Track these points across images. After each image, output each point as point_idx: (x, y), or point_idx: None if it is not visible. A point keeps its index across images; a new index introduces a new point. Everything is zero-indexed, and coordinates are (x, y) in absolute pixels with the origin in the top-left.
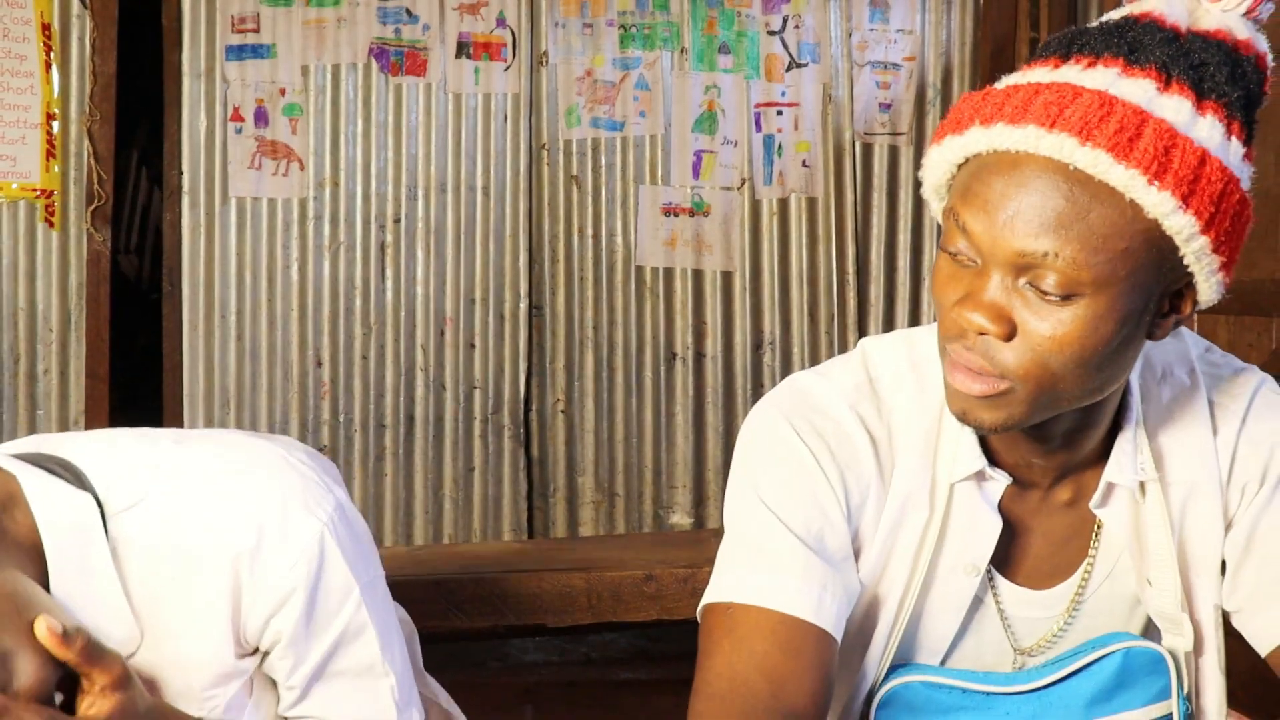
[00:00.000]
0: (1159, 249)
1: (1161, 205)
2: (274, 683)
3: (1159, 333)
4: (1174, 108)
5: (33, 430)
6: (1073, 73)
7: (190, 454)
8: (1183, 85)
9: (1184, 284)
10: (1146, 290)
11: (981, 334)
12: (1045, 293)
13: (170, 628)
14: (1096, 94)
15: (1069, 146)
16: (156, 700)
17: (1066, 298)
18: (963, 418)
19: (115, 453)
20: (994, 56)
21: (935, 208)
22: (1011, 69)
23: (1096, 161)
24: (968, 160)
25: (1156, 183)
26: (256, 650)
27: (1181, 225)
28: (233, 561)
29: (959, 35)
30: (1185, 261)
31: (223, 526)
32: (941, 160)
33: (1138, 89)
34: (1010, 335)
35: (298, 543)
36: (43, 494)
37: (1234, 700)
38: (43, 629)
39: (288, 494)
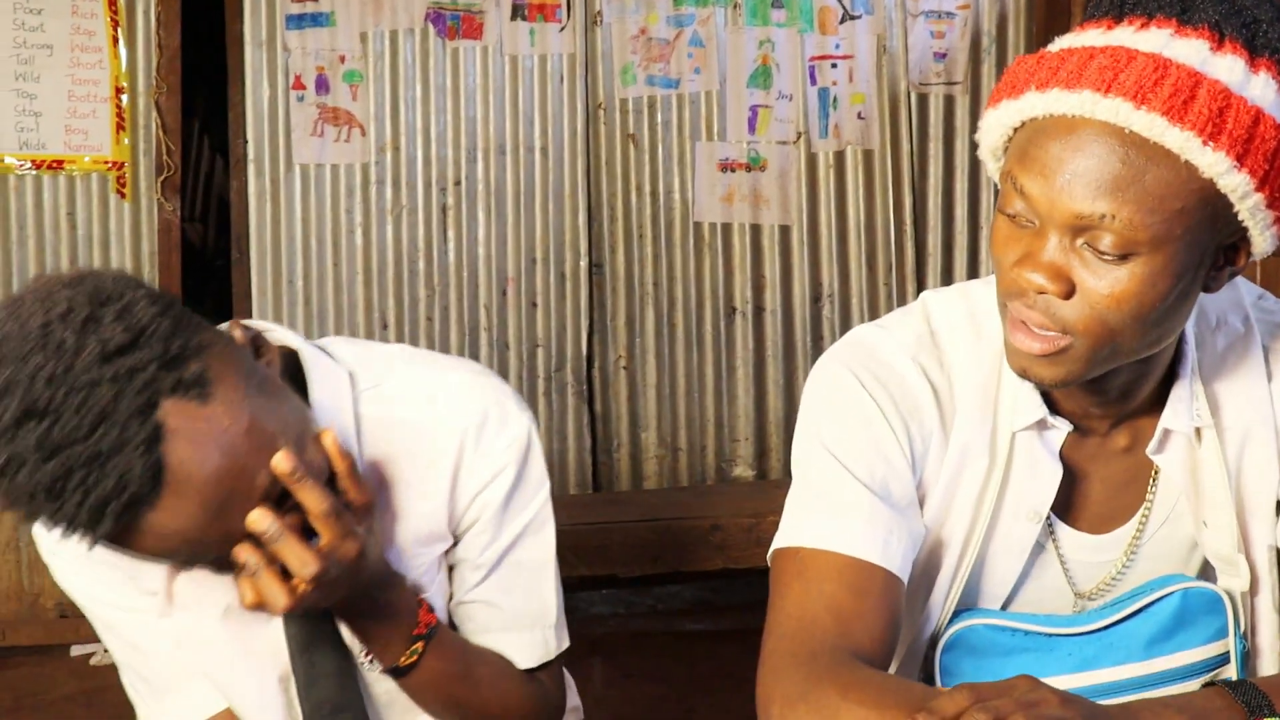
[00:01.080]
0: (1213, 206)
1: (1217, 165)
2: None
3: (1214, 285)
4: (1227, 67)
5: None
6: (1126, 35)
7: (422, 355)
8: (1235, 44)
9: (1238, 237)
10: (1201, 246)
11: (1041, 293)
12: (1102, 252)
13: (397, 492)
14: (1150, 57)
15: (1125, 110)
16: (382, 554)
17: (1123, 257)
18: (1023, 374)
19: (362, 346)
20: (1049, 3)
21: (992, 168)
22: (1067, 15)
23: (1152, 125)
24: (1024, 124)
25: (1211, 143)
26: (454, 536)
27: (1236, 184)
28: (460, 436)
29: None
30: (1240, 217)
31: (453, 408)
32: (998, 124)
33: (1191, 50)
34: (1069, 293)
35: (512, 429)
36: (315, 364)
37: None
38: (330, 439)
39: (503, 393)
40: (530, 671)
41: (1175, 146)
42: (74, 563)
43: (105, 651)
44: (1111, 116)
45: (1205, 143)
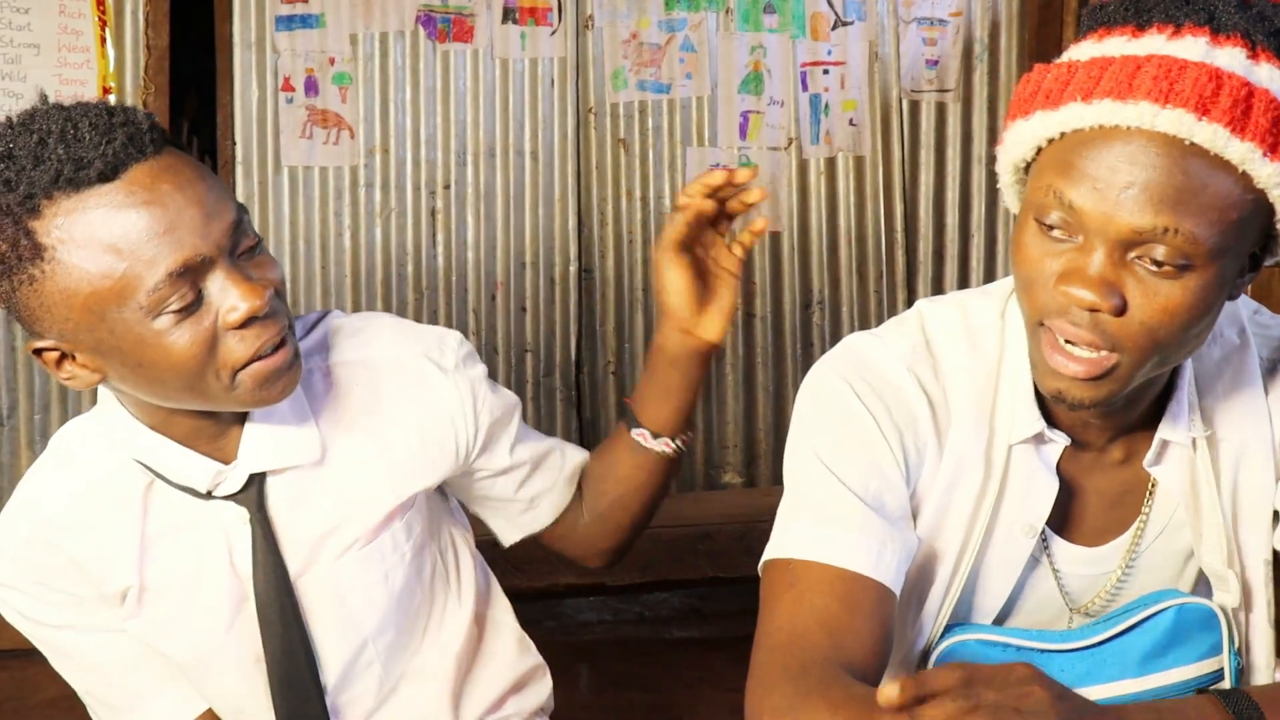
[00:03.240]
0: (1262, 217)
1: (1275, 176)
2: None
3: (1237, 293)
4: (1269, 76)
5: (95, 396)
6: (1159, 43)
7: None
8: (1268, 53)
9: (1260, 245)
10: (1242, 255)
11: (1092, 310)
12: (1158, 266)
13: (371, 423)
14: (1202, 67)
15: (1188, 122)
16: None
17: (1179, 270)
18: (1058, 396)
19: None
20: (1042, 10)
21: (1007, 180)
22: (1060, 23)
23: (1215, 136)
24: (1063, 135)
25: (1270, 155)
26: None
27: None
28: (408, 369)
29: None
30: (1278, 225)
31: (395, 346)
32: (1031, 135)
33: (1233, 59)
34: (1121, 310)
35: (451, 346)
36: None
37: None
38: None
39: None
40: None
41: (1237, 158)
42: (23, 588)
43: None
44: (1173, 128)
45: (1265, 154)
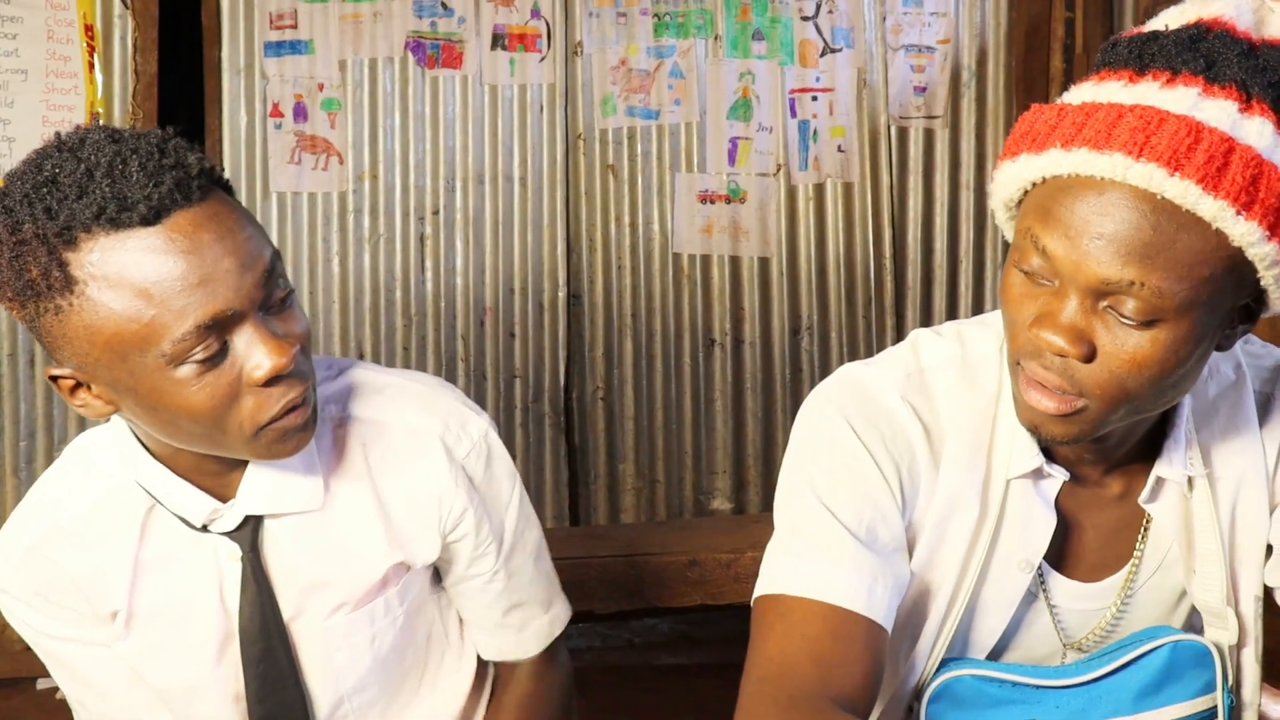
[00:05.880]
0: (1239, 272)
1: (1249, 235)
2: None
3: (1227, 344)
4: (1257, 131)
5: (81, 425)
6: (1151, 91)
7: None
8: (1263, 105)
9: (1254, 298)
10: (1222, 309)
11: (1060, 355)
12: (1126, 318)
13: (374, 484)
14: (1182, 120)
15: (1158, 177)
16: None
17: (1148, 323)
18: (1034, 430)
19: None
20: (1029, 37)
21: (1002, 217)
22: (1047, 50)
23: (1186, 193)
24: (1045, 180)
25: (1244, 213)
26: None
27: (1266, 252)
28: (424, 440)
29: (993, 16)
30: (1262, 281)
31: (417, 415)
32: (1016, 177)
33: (1221, 111)
34: (1090, 357)
35: (472, 433)
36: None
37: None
38: None
39: (459, 399)
40: (550, 651)
41: (1209, 215)
42: (24, 598)
43: None
44: (1144, 182)
45: (1239, 212)
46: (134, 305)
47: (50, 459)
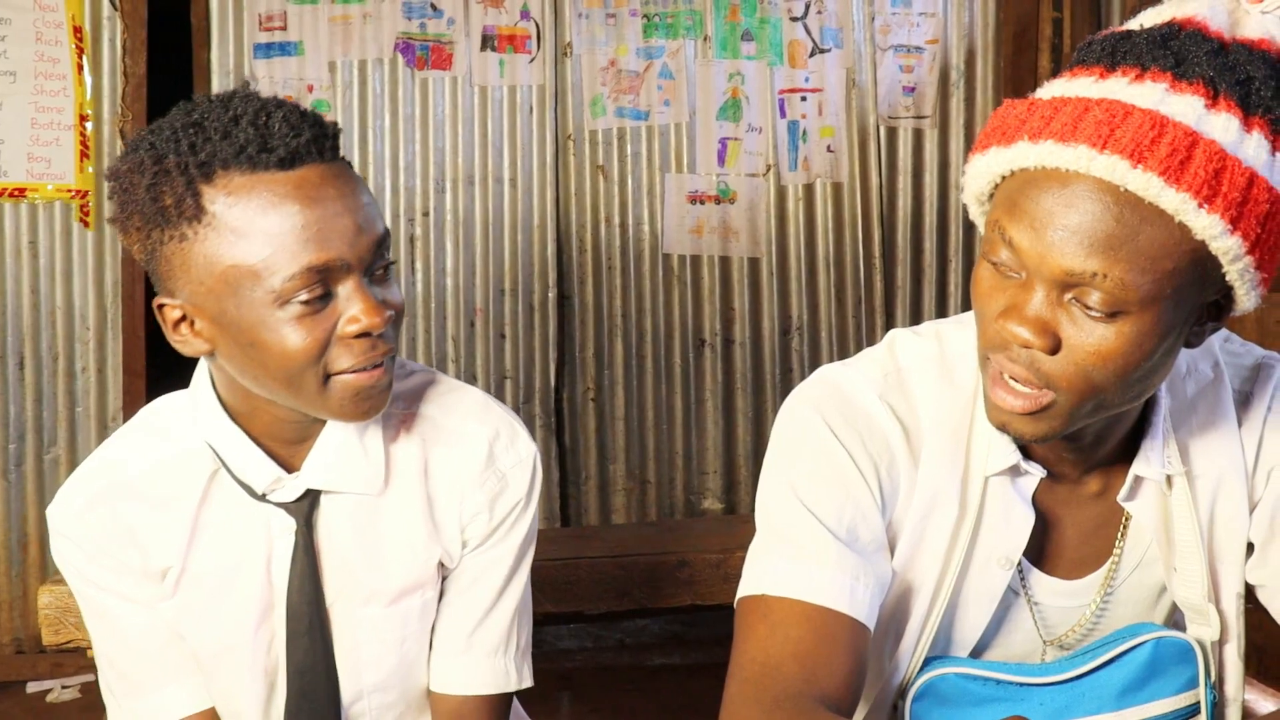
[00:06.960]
0: (1203, 266)
1: (1211, 228)
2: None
3: (1196, 341)
4: (1222, 126)
5: (71, 427)
6: (1120, 86)
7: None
8: (1230, 101)
9: (1223, 294)
10: (1189, 304)
11: (1026, 346)
12: (1090, 309)
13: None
14: (1147, 114)
15: (1121, 169)
16: None
17: (1112, 315)
18: (1002, 428)
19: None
20: (1017, 37)
21: (975, 212)
22: (1035, 50)
23: (1148, 185)
24: (1013, 173)
25: (1206, 206)
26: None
27: (1229, 246)
28: (474, 446)
29: (981, 16)
30: (1227, 277)
31: (471, 421)
32: (985, 170)
33: (1187, 106)
34: (1055, 349)
35: (521, 450)
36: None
37: (1267, 675)
38: None
39: (513, 418)
40: (495, 712)
41: (1171, 208)
42: (82, 545)
43: (62, 688)
44: (1107, 174)
45: (1201, 205)
46: (255, 241)
47: (40, 461)
